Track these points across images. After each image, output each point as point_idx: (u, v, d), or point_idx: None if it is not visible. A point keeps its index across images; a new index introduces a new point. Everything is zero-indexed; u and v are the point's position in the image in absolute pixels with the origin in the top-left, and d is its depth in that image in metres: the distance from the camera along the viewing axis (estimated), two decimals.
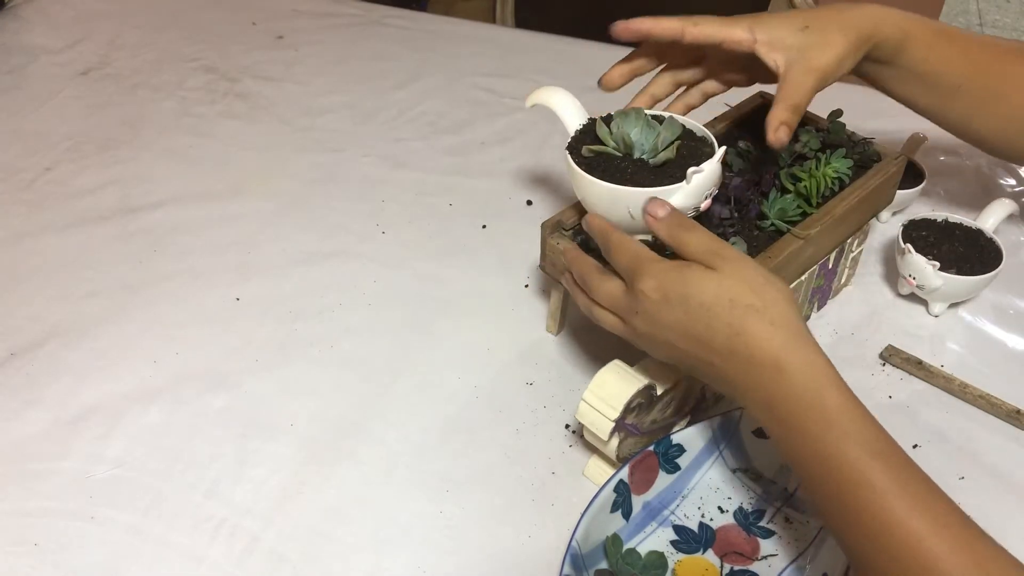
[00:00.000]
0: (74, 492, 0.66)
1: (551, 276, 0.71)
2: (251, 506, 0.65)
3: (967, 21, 2.85)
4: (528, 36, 1.19)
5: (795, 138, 0.74)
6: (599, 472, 0.66)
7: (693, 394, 0.67)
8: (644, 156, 0.64)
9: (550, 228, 0.69)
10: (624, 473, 0.62)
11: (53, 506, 0.65)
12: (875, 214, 0.78)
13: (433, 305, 0.81)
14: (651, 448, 0.63)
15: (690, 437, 0.64)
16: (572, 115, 0.69)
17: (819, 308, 0.80)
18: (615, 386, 0.61)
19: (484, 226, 0.89)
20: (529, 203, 0.91)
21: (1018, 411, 0.71)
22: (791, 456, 0.53)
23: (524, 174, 0.95)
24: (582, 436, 0.69)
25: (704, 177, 0.61)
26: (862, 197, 0.72)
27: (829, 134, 0.75)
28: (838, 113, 0.77)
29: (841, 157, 0.71)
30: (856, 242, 0.78)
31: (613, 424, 0.60)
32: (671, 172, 0.63)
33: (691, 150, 0.65)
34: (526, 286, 0.83)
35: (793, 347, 0.51)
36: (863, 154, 0.74)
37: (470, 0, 1.67)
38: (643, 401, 0.62)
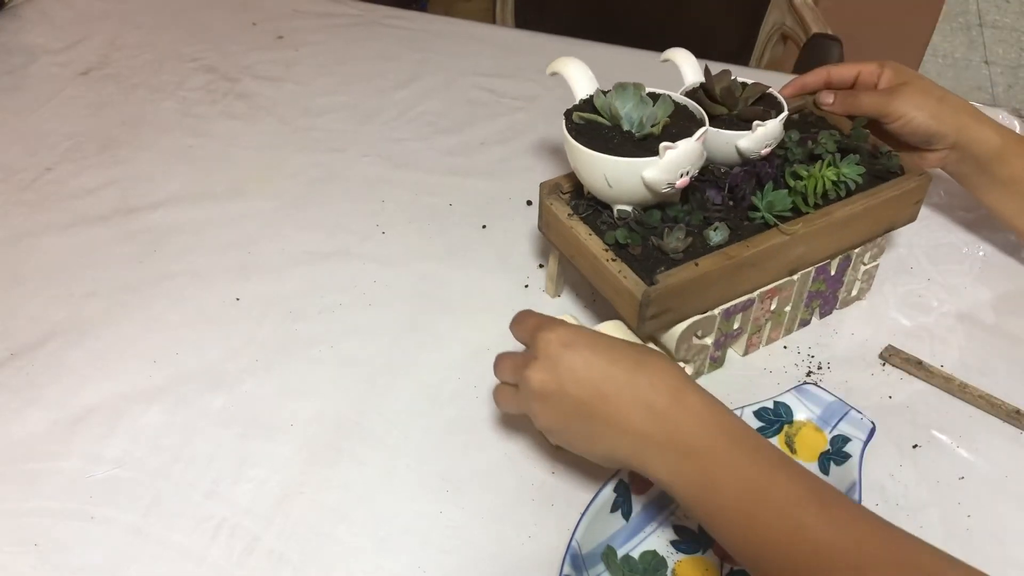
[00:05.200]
0: (74, 492, 0.66)
1: (548, 238, 0.73)
2: (251, 506, 0.65)
3: (967, 21, 2.85)
4: (528, 36, 1.19)
5: (814, 138, 0.74)
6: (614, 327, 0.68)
7: None
8: (632, 129, 0.67)
9: (548, 189, 0.71)
10: (624, 473, 0.62)
11: (53, 506, 0.65)
12: (891, 229, 0.76)
13: (433, 305, 0.81)
14: None
15: None
16: (582, 85, 0.71)
17: (822, 316, 0.79)
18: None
19: (484, 226, 0.89)
20: (529, 203, 0.91)
21: (1018, 411, 0.71)
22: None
23: (524, 174, 0.95)
24: None
25: (678, 154, 0.63)
26: (869, 206, 0.71)
27: (849, 140, 0.75)
28: (862, 122, 0.77)
29: (853, 164, 0.70)
30: (869, 255, 0.77)
31: None
32: (651, 147, 0.65)
33: (681, 128, 0.67)
34: (526, 286, 0.83)
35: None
36: (885, 166, 0.74)
37: (470, 0, 1.67)
38: None
